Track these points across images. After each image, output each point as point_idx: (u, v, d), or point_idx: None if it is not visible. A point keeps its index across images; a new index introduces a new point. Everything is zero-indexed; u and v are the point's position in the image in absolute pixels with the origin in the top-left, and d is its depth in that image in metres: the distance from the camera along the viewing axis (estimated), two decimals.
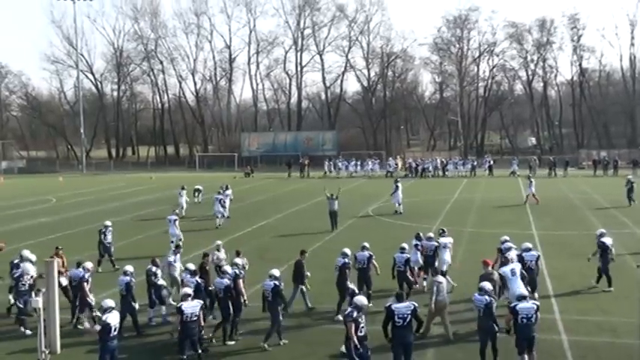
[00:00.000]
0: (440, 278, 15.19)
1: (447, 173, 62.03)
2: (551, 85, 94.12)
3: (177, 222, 25.72)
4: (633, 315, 15.98)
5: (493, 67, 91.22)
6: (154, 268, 16.34)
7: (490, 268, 15.57)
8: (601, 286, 18.55)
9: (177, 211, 28.53)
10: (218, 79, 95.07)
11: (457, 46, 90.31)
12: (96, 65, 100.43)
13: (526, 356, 12.30)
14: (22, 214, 38.85)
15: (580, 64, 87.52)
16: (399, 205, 34.92)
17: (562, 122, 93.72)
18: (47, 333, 13.68)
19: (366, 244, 17.81)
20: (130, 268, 15.89)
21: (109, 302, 12.70)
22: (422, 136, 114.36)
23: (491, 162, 62.44)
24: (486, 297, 12.91)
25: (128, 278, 15.44)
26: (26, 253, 17.21)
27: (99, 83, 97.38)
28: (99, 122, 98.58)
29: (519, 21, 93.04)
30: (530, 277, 16.60)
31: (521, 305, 12.29)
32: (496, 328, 12.76)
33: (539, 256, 17.56)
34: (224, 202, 32.55)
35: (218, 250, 18.77)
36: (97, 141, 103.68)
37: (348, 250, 17.10)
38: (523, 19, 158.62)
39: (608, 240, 18.78)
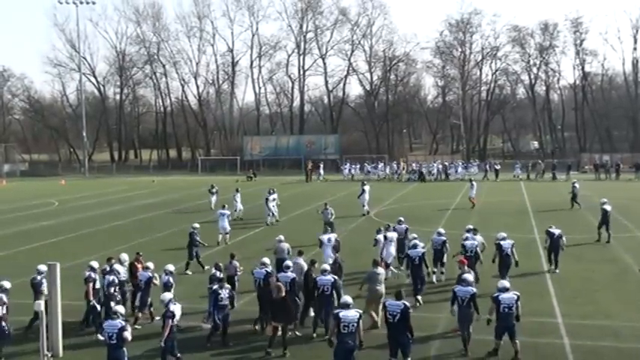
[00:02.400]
0: (379, 269, 16.06)
1: (449, 177, 61.95)
2: (554, 88, 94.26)
3: (228, 217, 28.22)
4: (636, 319, 15.99)
5: (495, 71, 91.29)
6: (218, 273, 16.17)
7: (466, 267, 16.42)
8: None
9: (236, 212, 30.52)
10: (220, 82, 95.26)
11: (459, 49, 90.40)
12: (98, 68, 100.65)
13: (502, 342, 13.50)
14: (24, 217, 38.90)
15: (582, 68, 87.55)
16: (364, 206, 36.37)
17: (564, 126, 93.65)
18: (49, 336, 13.68)
19: (441, 230, 20.42)
20: (170, 267, 16.22)
21: (118, 308, 12.64)
22: (424, 140, 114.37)
23: (498, 167, 62.15)
24: (470, 288, 14.00)
25: (167, 277, 15.70)
26: (124, 256, 17.40)
27: (101, 86, 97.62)
28: (101, 125, 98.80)
29: (522, 25, 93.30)
30: (507, 262, 18.83)
31: (503, 296, 13.42)
32: (475, 316, 13.88)
33: (513, 243, 19.10)
34: (277, 201, 34.75)
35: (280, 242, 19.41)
36: (99, 144, 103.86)
37: (502, 234, 19.46)
38: (526, 22, 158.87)
39: (556, 231, 21.27)
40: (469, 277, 14.61)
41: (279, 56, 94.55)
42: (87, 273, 16.02)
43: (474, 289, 14.02)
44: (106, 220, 36.44)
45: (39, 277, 15.85)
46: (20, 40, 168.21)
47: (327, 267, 15.73)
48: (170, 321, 12.70)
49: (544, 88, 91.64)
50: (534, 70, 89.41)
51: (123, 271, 16.73)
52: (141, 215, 38.39)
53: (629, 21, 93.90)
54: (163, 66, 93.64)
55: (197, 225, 23.45)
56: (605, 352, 13.94)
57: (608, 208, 26.86)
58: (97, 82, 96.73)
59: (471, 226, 20.65)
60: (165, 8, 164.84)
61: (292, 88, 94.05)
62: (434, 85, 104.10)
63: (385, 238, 20.80)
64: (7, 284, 14.84)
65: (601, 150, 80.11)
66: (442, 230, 20.70)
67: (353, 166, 67.12)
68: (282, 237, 20.34)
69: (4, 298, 14.36)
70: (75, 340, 15.17)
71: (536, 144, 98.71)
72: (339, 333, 11.98)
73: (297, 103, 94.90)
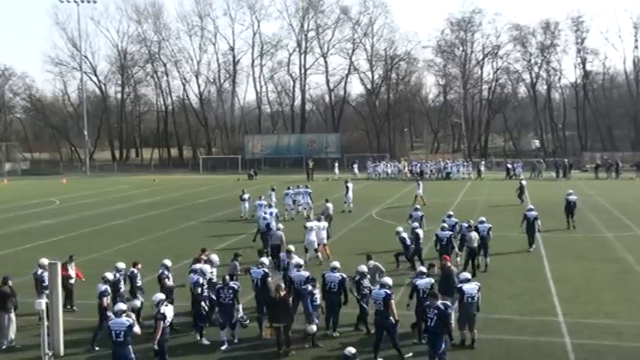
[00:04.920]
0: (370, 264, 16.38)
1: (450, 176, 61.83)
2: (555, 87, 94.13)
3: (264, 207, 29.32)
4: (637, 318, 15.97)
5: (497, 70, 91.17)
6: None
7: (449, 262, 16.71)
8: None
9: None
10: (222, 81, 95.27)
11: (461, 48, 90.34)
12: (100, 67, 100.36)
13: (467, 333, 14.01)
14: (25, 215, 38.89)
15: (584, 67, 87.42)
16: (349, 204, 37.34)
17: (566, 125, 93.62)
18: (50, 335, 13.68)
19: (484, 219, 22.06)
20: (199, 266, 16.05)
21: (121, 306, 12.58)
22: (425, 139, 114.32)
23: (509, 165, 62.06)
24: (430, 278, 14.68)
25: (196, 276, 15.55)
26: (214, 257, 17.24)
27: (103, 85, 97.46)
28: (102, 124, 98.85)
29: (523, 23, 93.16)
30: (484, 243, 20.93)
31: (466, 286, 14.04)
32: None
33: (490, 227, 21.45)
34: (312, 195, 35.92)
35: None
36: (100, 143, 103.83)
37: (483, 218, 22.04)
38: (527, 21, 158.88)
39: (532, 213, 24.43)
40: (423, 268, 15.31)
41: (280, 55, 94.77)
42: (160, 271, 15.99)
43: (433, 280, 14.71)
44: (107, 218, 36.43)
45: (117, 275, 15.88)
46: (21, 39, 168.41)
47: (337, 264, 15.73)
48: (161, 323, 12.62)
49: (545, 86, 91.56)
50: (535, 68, 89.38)
51: (209, 272, 16.28)
52: (142, 214, 38.38)
53: (630, 20, 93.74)
54: (164, 65, 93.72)
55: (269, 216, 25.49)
56: (606, 350, 13.90)
57: (571, 198, 29.98)
58: (99, 80, 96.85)
59: (484, 218, 22.13)
60: (166, 7, 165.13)
61: (293, 86, 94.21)
62: (435, 84, 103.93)
63: (305, 227, 23.29)
64: (121, 265, 16.24)
65: (602, 149, 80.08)
66: (452, 213, 23.60)
67: (377, 163, 67.08)
68: (280, 225, 23.33)
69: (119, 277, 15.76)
70: (76, 337, 15.16)
71: (537, 143, 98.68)
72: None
73: (298, 101, 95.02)
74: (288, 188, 35.90)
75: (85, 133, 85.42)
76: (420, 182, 41.86)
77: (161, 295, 13.41)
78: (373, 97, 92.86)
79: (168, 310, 12.88)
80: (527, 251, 24.09)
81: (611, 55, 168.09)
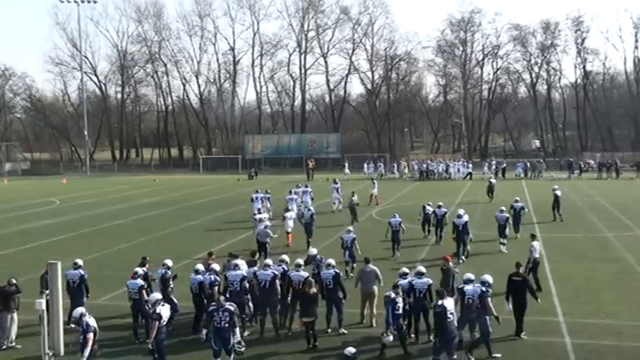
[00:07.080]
0: (368, 267, 16.08)
1: (451, 176, 61.71)
2: (555, 87, 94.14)
3: (295, 200, 33.00)
4: (637, 318, 15.97)
5: (497, 70, 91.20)
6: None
7: (450, 263, 16.56)
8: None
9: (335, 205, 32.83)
10: (222, 81, 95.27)
11: (461, 48, 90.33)
12: (100, 67, 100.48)
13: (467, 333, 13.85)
14: (26, 216, 38.88)
15: (584, 67, 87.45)
16: (339, 203, 37.75)
17: (566, 125, 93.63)
18: (50, 334, 13.68)
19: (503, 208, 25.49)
20: (201, 266, 16.00)
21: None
22: (425, 139, 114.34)
23: (505, 165, 62.29)
24: (427, 279, 14.55)
25: (200, 277, 15.50)
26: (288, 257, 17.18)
27: (103, 85, 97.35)
28: (103, 124, 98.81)
29: (523, 23, 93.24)
30: (461, 236, 22.47)
31: (467, 287, 13.80)
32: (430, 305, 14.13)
33: (467, 221, 22.69)
34: (340, 190, 38.07)
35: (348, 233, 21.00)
36: (100, 143, 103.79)
37: (461, 211, 23.92)
38: (527, 21, 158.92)
39: (518, 204, 27.19)
40: (423, 268, 15.04)
41: (280, 55, 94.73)
42: (212, 277, 15.53)
43: (430, 281, 14.61)
44: (107, 218, 36.42)
45: (169, 272, 16.00)
46: (22, 39, 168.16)
47: (332, 261, 15.84)
48: (157, 323, 12.63)
49: (545, 86, 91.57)
50: (535, 68, 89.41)
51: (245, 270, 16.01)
52: (142, 214, 38.37)
53: (630, 20, 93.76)
54: (165, 65, 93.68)
55: (307, 206, 27.80)
56: (606, 350, 13.91)
57: (558, 193, 31.99)
58: (99, 80, 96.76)
59: (461, 212, 23.64)
60: (167, 7, 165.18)
61: (294, 86, 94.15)
62: (435, 84, 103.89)
63: (261, 220, 24.79)
64: (170, 262, 16.53)
65: (602, 149, 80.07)
66: (504, 208, 25.48)
67: (379, 164, 67.47)
68: (267, 223, 23.92)
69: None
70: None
71: (537, 143, 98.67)
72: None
73: (298, 101, 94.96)
74: (306, 186, 36.73)
75: (85, 133, 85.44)
76: (374, 181, 42.83)
77: (158, 295, 13.45)
78: (373, 97, 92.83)
79: (165, 310, 12.89)
80: (515, 238, 25.73)
81: (612, 55, 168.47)
